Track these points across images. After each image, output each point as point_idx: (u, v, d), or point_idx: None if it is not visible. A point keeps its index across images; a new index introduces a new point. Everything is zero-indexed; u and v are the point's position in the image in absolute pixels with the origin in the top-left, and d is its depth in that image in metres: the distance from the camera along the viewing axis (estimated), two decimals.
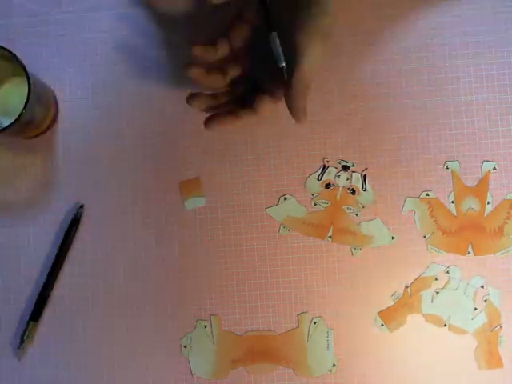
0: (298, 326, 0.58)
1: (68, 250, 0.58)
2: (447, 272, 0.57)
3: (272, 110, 0.51)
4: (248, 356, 0.58)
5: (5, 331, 0.58)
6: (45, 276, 0.58)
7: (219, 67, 0.52)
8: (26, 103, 0.51)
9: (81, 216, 0.58)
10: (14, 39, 0.59)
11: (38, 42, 0.59)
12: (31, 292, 0.58)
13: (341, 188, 0.58)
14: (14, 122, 0.50)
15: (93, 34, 0.59)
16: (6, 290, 0.58)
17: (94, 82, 0.59)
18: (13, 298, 0.58)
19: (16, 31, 0.59)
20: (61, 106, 0.59)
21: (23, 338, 0.57)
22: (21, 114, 0.51)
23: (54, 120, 0.58)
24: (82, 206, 0.58)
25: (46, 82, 0.58)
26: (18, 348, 0.57)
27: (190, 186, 0.59)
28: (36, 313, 0.58)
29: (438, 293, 0.57)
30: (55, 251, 0.58)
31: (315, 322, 0.58)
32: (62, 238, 0.58)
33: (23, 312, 0.58)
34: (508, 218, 0.57)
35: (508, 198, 0.58)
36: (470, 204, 0.58)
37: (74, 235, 0.58)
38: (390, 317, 0.57)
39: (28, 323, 0.58)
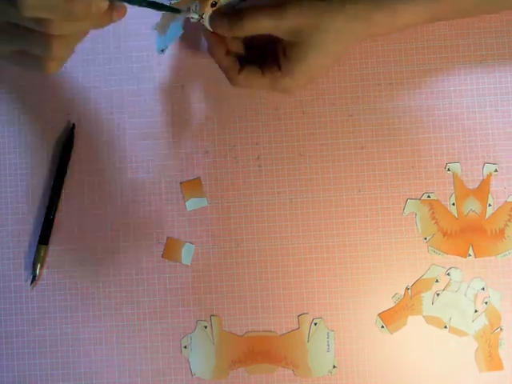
0: (299, 327, 0.58)
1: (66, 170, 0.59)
2: (448, 274, 0.57)
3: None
4: (248, 356, 0.58)
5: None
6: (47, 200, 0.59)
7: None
8: None
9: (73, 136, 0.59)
10: None
11: None
12: (36, 218, 0.59)
13: None
14: None
15: None
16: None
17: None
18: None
19: None
20: None
21: (35, 263, 0.58)
22: None
23: None
24: (73, 126, 0.59)
25: None
26: (31, 273, 0.58)
27: (190, 187, 0.59)
28: (44, 236, 0.58)
29: (438, 295, 0.57)
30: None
31: (316, 323, 0.58)
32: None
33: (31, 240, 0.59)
34: (509, 221, 0.57)
35: (509, 200, 0.58)
36: (471, 206, 0.58)
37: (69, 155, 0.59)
38: (390, 318, 0.57)
39: (38, 247, 0.58)
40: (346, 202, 0.58)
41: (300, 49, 0.50)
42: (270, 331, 0.58)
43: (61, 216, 0.59)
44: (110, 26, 0.44)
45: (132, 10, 0.45)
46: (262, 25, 0.50)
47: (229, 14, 0.50)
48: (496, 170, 0.58)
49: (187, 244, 0.58)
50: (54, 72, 0.45)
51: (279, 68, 0.52)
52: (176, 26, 0.52)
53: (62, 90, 0.60)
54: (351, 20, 0.50)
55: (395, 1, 0.50)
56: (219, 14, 0.51)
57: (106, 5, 0.42)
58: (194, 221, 0.58)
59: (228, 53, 0.53)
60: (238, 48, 0.53)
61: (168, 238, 0.58)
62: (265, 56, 0.53)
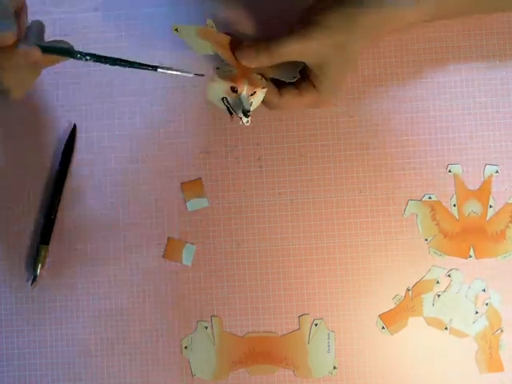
0: (299, 328, 0.58)
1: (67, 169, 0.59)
2: (449, 275, 0.57)
3: (295, 104, 0.54)
4: (249, 357, 0.58)
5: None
6: (48, 199, 0.59)
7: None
8: None
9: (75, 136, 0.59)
10: None
11: None
12: (37, 218, 0.59)
13: None
14: None
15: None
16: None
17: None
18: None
19: None
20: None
21: (35, 263, 0.58)
22: None
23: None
24: (75, 126, 0.59)
25: None
26: (32, 274, 0.58)
27: (191, 188, 0.59)
28: (45, 236, 0.58)
29: (439, 296, 0.57)
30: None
31: (316, 324, 0.58)
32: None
33: (32, 240, 0.59)
34: (510, 222, 0.57)
35: (510, 201, 0.58)
36: (472, 207, 0.58)
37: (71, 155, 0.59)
38: (391, 319, 0.57)
39: (38, 247, 0.58)
40: (347, 202, 0.58)
41: (330, 67, 0.51)
42: (271, 332, 0.58)
43: (61, 216, 0.59)
44: None
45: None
46: (289, 49, 0.50)
47: (255, 44, 0.51)
48: (497, 172, 0.58)
49: (188, 244, 0.58)
50: (18, 99, 0.49)
51: (313, 87, 0.53)
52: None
53: (63, 90, 0.60)
54: (366, 32, 0.50)
55: (400, 5, 0.50)
56: (244, 45, 0.52)
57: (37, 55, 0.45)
58: (195, 221, 0.58)
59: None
60: (272, 72, 0.54)
61: (169, 238, 0.58)
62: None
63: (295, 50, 0.50)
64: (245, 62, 0.52)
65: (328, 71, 0.51)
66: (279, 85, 0.54)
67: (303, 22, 0.51)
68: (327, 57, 0.51)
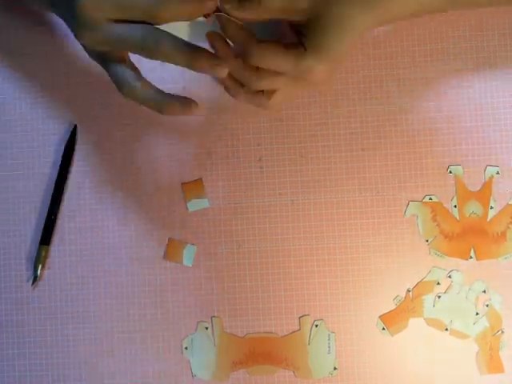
0: (300, 329, 0.58)
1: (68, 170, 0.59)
2: (449, 276, 0.57)
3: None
4: (249, 358, 0.58)
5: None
6: (49, 199, 0.59)
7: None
8: None
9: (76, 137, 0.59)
10: None
11: None
12: (38, 219, 0.59)
13: None
14: None
15: None
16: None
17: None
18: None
19: None
20: None
21: (36, 263, 0.58)
22: None
23: None
24: (75, 127, 0.59)
25: None
26: (32, 274, 0.58)
27: (192, 188, 0.59)
28: (46, 236, 0.58)
29: (439, 297, 0.57)
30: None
31: (317, 325, 0.58)
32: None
33: (32, 240, 0.59)
34: (511, 223, 0.57)
35: (511, 202, 0.58)
36: (473, 209, 0.58)
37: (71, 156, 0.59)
38: (391, 320, 0.57)
39: (39, 247, 0.58)
40: (347, 203, 0.58)
41: (319, 26, 0.47)
42: (271, 332, 0.58)
43: (62, 216, 0.59)
44: None
45: None
46: (276, 4, 0.46)
47: None
48: (498, 173, 0.58)
49: (189, 245, 0.58)
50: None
51: (302, 46, 0.48)
52: None
53: (64, 91, 0.60)
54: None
55: None
56: None
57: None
58: (196, 222, 0.58)
59: (241, 28, 0.48)
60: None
61: (169, 239, 0.58)
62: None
63: (283, 4, 0.46)
64: (229, 13, 0.47)
65: (322, 29, 0.47)
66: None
67: None
68: (321, 14, 0.46)
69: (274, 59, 0.48)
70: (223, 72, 0.45)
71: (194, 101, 0.48)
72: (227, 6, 0.46)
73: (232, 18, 0.48)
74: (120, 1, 0.44)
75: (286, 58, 0.48)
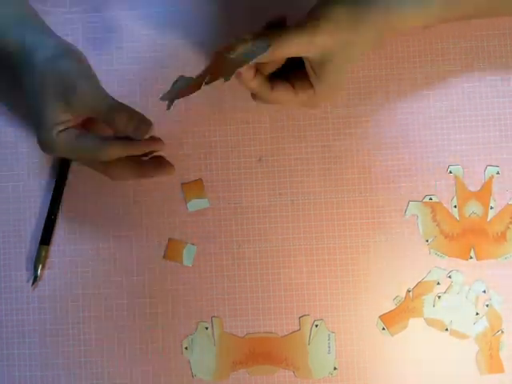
0: (300, 329, 0.58)
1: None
2: (449, 276, 0.57)
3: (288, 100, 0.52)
4: (249, 358, 0.58)
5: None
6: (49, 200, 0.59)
7: None
8: None
9: None
10: None
11: None
12: (38, 219, 0.59)
13: None
14: None
15: None
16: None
17: None
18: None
19: None
20: None
21: (36, 264, 0.58)
22: None
23: None
24: None
25: None
26: (32, 274, 0.58)
27: (192, 188, 0.59)
28: (45, 236, 0.58)
29: (439, 297, 0.57)
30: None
31: (317, 325, 0.58)
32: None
33: (32, 240, 0.59)
34: (511, 223, 0.57)
35: (511, 202, 0.58)
36: (473, 209, 0.58)
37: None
38: (391, 321, 0.57)
39: (39, 248, 0.58)
40: (347, 203, 0.58)
41: (331, 66, 0.50)
42: (271, 332, 0.58)
43: (62, 217, 0.59)
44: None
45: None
46: (292, 46, 0.48)
47: (254, 38, 0.48)
48: (498, 173, 0.58)
49: (189, 245, 0.58)
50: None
51: (310, 85, 0.51)
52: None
53: None
54: (370, 33, 0.49)
55: (408, 8, 0.50)
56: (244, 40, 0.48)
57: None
58: (196, 222, 0.58)
59: (255, 73, 0.51)
60: (269, 69, 0.52)
61: (169, 239, 0.58)
62: (289, 69, 0.52)
63: (299, 44, 0.48)
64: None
65: (329, 70, 0.50)
66: (271, 78, 0.52)
67: (310, 16, 0.49)
68: (330, 54, 0.49)
69: (284, 103, 0.53)
70: (171, 172, 0.55)
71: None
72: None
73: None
74: (72, 149, 0.51)
75: (295, 100, 0.52)
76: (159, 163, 0.55)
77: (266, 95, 0.52)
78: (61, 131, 0.50)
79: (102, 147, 0.51)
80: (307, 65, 0.51)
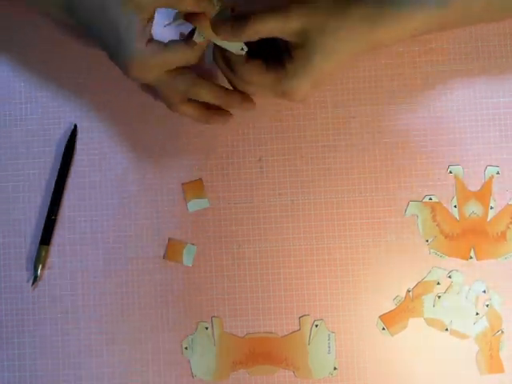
0: (300, 329, 0.58)
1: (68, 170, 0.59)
2: (449, 276, 0.57)
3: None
4: (249, 358, 0.58)
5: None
6: (49, 200, 0.59)
7: None
8: None
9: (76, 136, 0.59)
10: None
11: None
12: (38, 219, 0.59)
13: None
14: None
15: None
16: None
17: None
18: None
19: None
20: None
21: (36, 264, 0.58)
22: None
23: None
24: (75, 127, 0.59)
25: None
26: (32, 274, 0.58)
27: (192, 188, 0.59)
28: (46, 236, 0.58)
29: (439, 297, 0.57)
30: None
31: (317, 325, 0.58)
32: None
33: (32, 240, 0.59)
34: (511, 223, 0.57)
35: (511, 202, 0.58)
36: (473, 209, 0.58)
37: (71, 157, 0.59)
38: (391, 321, 0.57)
39: (39, 248, 0.58)
40: (347, 203, 0.58)
41: (304, 51, 0.49)
42: (271, 333, 0.58)
43: (62, 217, 0.59)
44: None
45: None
46: (266, 27, 0.49)
47: (232, 19, 0.49)
48: (498, 173, 0.58)
49: (189, 245, 0.58)
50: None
51: (283, 66, 0.51)
52: None
53: (65, 90, 0.60)
54: (356, 25, 0.49)
55: (401, 7, 0.49)
56: (222, 20, 0.50)
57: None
58: (196, 222, 0.58)
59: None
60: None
61: (169, 239, 0.58)
62: (269, 53, 0.52)
63: (274, 27, 0.48)
64: (221, 37, 0.50)
65: (308, 56, 0.49)
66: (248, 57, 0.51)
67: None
68: (309, 40, 0.49)
69: (254, 79, 0.52)
70: (252, 106, 0.55)
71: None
72: (222, 35, 0.49)
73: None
74: (163, 58, 0.49)
75: (265, 79, 0.51)
76: (224, 113, 0.56)
77: (240, 65, 0.51)
78: (149, 41, 0.48)
79: (194, 47, 0.49)
80: (284, 44, 0.50)
